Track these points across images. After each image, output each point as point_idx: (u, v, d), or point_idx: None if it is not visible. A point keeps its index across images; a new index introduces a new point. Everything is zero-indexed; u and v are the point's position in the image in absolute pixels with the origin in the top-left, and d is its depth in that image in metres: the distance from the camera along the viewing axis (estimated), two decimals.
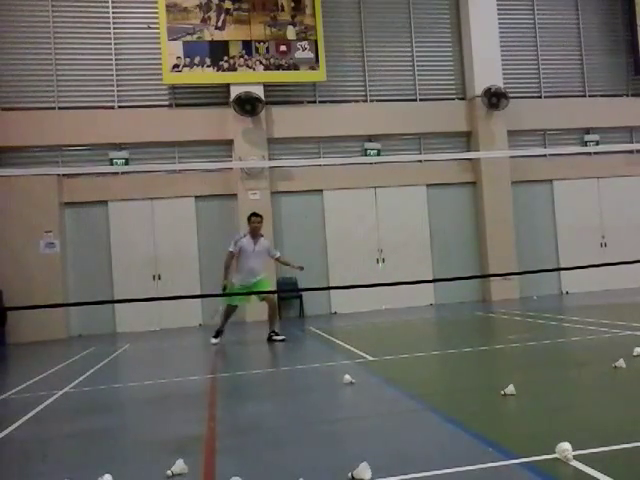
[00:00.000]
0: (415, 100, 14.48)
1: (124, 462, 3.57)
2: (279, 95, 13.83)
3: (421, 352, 7.15)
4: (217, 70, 13.23)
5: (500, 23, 14.48)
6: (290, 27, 13.53)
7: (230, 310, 9.23)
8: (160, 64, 13.10)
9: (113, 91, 13.31)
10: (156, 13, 13.19)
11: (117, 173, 13.00)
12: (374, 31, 14.37)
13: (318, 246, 13.70)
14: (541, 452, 3.11)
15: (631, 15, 15.30)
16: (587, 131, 15.16)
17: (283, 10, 13.54)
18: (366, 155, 13.82)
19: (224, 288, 8.85)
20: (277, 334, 9.02)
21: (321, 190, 13.83)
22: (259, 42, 13.40)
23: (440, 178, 14.27)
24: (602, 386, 4.77)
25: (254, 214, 9.25)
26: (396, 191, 14.06)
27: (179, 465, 3.23)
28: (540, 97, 15.06)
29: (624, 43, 15.47)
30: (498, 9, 14.45)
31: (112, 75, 13.30)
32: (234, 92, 13.13)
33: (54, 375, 7.36)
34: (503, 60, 14.42)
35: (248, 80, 13.25)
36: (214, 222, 13.41)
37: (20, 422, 4.77)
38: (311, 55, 13.56)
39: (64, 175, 12.72)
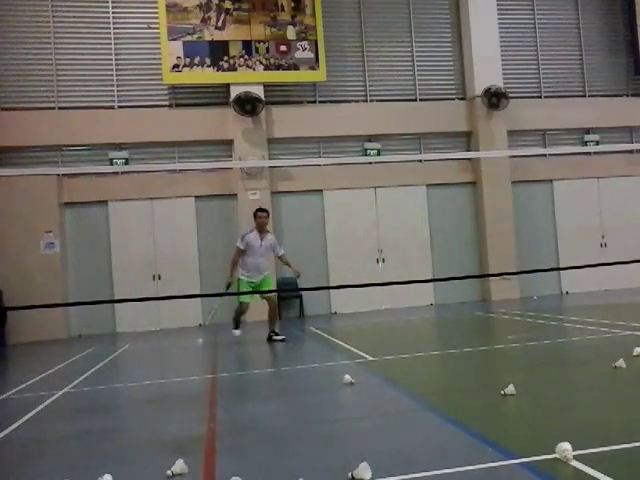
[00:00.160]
0: (415, 100, 14.48)
1: (124, 462, 3.57)
2: (279, 95, 13.83)
3: (421, 352, 7.14)
4: (217, 70, 13.23)
5: (500, 23, 14.48)
6: (290, 27, 13.53)
7: (243, 308, 9.13)
8: (160, 64, 13.10)
9: (113, 91, 13.30)
10: (156, 13, 13.19)
11: (117, 173, 13.00)
12: (374, 31, 14.37)
13: (318, 246, 13.70)
14: (541, 452, 3.11)
15: (631, 15, 15.30)
16: (587, 131, 15.16)
17: (283, 10, 13.54)
18: (366, 155, 13.82)
19: (228, 285, 8.81)
20: (277, 334, 9.01)
21: (321, 190, 13.83)
22: (259, 42, 13.40)
23: (440, 178, 14.27)
24: (602, 386, 4.77)
25: (260, 209, 9.17)
26: (396, 191, 14.06)
27: (179, 465, 3.23)
28: (540, 97, 15.06)
29: (624, 43, 15.47)
30: (498, 9, 14.45)
31: (112, 75, 13.30)
32: (234, 92, 13.13)
33: (54, 375, 7.36)
34: (503, 60, 14.42)
35: (248, 80, 13.25)
36: (214, 222, 13.41)
37: (20, 422, 4.77)
38: (311, 55, 13.55)
39: (64, 175, 12.72)
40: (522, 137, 14.78)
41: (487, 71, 14.09)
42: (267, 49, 13.42)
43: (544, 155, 14.74)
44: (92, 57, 13.24)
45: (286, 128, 13.65)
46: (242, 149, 13.23)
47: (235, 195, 13.32)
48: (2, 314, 11.65)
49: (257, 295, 9.18)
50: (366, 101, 14.26)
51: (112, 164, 12.89)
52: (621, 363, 5.17)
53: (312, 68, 13.59)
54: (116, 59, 13.32)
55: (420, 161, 14.13)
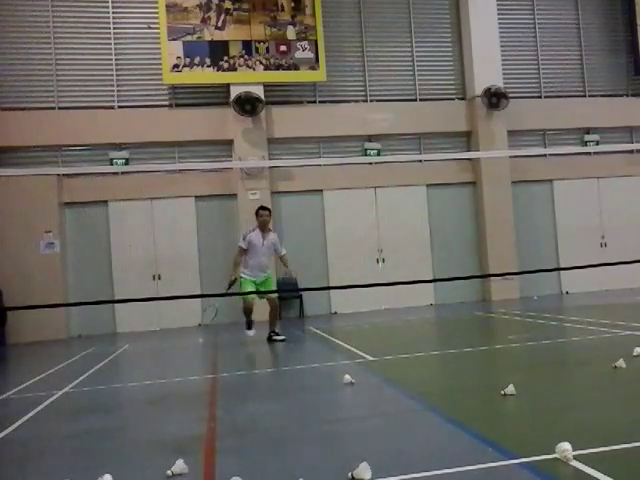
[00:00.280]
0: (415, 100, 14.48)
1: (124, 462, 3.57)
2: (279, 95, 13.83)
3: (421, 352, 7.14)
4: (217, 70, 13.23)
5: (500, 23, 14.48)
6: (290, 27, 13.53)
7: (248, 305, 8.96)
8: (160, 64, 13.10)
9: (113, 91, 13.31)
10: (156, 13, 13.19)
11: (117, 173, 13.01)
12: (374, 31, 14.37)
13: (318, 246, 13.70)
14: (541, 452, 3.11)
15: (631, 15, 15.30)
16: (587, 131, 15.16)
17: (283, 10, 13.54)
18: (366, 155, 13.82)
19: (232, 283, 8.74)
20: (277, 334, 9.00)
21: (321, 190, 13.83)
22: (259, 42, 13.40)
23: (440, 178, 14.27)
24: (602, 386, 4.76)
25: (262, 207, 9.11)
26: (396, 191, 14.06)
27: (179, 465, 3.23)
28: (540, 97, 15.06)
29: (624, 43, 15.47)
30: (498, 9, 14.45)
31: (112, 75, 13.30)
32: (234, 92, 13.13)
33: (54, 375, 7.36)
34: (503, 60, 14.42)
35: (248, 80, 13.25)
36: (214, 222, 13.41)
37: (20, 422, 4.77)
38: (311, 55, 13.55)
39: (64, 175, 12.72)
40: (522, 137, 14.78)
41: (487, 71, 14.09)
42: (267, 49, 13.42)
43: (544, 155, 14.74)
44: (92, 57, 13.24)
45: (286, 128, 13.65)
46: (242, 149, 13.23)
47: (235, 195, 13.32)
48: (2, 314, 11.66)
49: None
50: (366, 101, 14.26)
51: (112, 164, 12.89)
52: (621, 363, 5.16)
53: (312, 68, 13.59)
54: (116, 59, 13.33)
55: (420, 161, 14.13)
